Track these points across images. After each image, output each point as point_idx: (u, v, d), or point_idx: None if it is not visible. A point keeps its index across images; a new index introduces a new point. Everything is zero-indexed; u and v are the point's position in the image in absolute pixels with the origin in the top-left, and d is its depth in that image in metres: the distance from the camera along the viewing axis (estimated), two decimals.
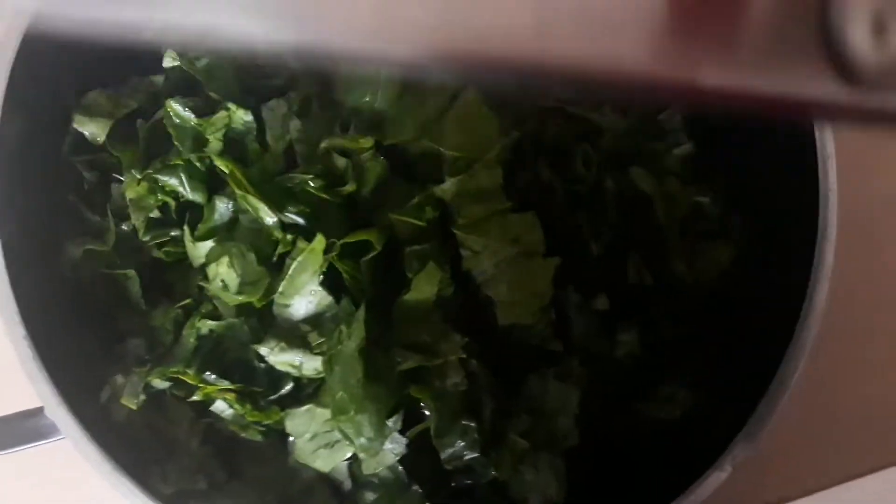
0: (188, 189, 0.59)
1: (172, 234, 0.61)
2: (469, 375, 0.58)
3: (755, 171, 0.63)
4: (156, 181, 0.60)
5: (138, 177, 0.60)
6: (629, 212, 0.63)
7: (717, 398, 0.62)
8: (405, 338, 0.57)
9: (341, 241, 0.54)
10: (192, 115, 0.58)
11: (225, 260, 0.56)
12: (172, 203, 0.61)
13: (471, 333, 0.58)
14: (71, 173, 0.62)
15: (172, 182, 0.60)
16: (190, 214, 0.60)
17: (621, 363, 0.64)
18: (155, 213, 0.61)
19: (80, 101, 0.62)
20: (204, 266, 0.59)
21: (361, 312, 0.53)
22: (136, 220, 0.61)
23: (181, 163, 0.59)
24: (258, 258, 0.55)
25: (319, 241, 0.54)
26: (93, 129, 0.61)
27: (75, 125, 0.61)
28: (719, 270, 0.64)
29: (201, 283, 0.59)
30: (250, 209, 0.55)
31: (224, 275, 0.56)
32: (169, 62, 0.60)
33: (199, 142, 0.59)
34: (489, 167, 0.55)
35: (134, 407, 0.59)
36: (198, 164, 0.59)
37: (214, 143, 0.59)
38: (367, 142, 0.56)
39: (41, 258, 0.58)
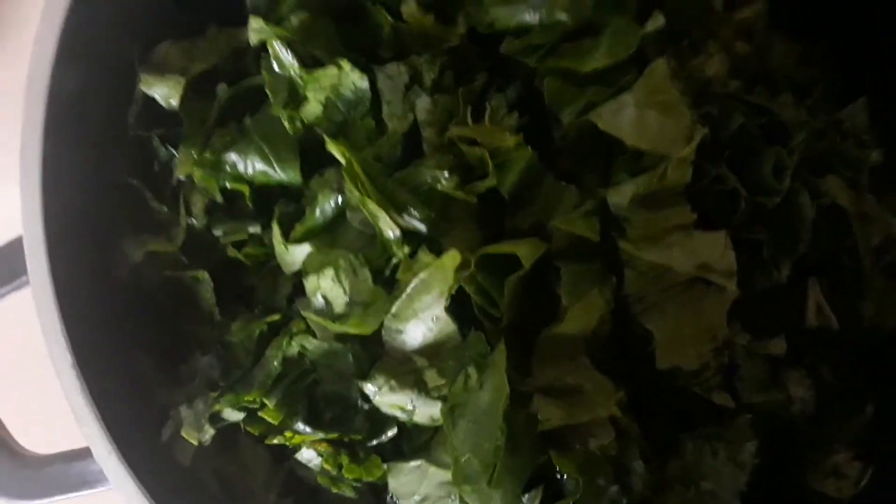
0: (275, 165, 0.47)
1: (251, 230, 0.49)
2: (619, 435, 0.45)
3: None
4: (220, 159, 0.47)
5: (199, 150, 0.47)
6: (821, 233, 0.50)
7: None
8: (546, 380, 0.44)
9: (479, 254, 0.42)
10: (296, 62, 0.45)
11: (329, 273, 0.44)
12: (247, 189, 0.48)
13: (618, 378, 0.46)
14: (135, 150, 0.50)
15: (249, 161, 0.47)
16: (279, 206, 0.48)
17: (794, 424, 0.51)
18: (219, 199, 0.49)
19: (147, 56, 0.49)
20: (298, 274, 0.46)
21: (501, 356, 0.41)
22: (194, 207, 0.49)
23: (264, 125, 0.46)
24: (373, 274, 0.43)
25: (452, 256, 0.41)
26: (163, 91, 0.49)
27: (142, 87, 0.49)
28: None
29: (292, 297, 0.47)
30: (367, 215, 0.43)
31: (328, 291, 0.44)
32: (255, 32, 0.47)
33: (295, 99, 0.48)
34: (680, 168, 0.42)
35: (196, 442, 0.48)
36: (289, 124, 0.47)
37: (313, 104, 0.47)
38: (508, 137, 0.44)
39: (92, 260, 0.48)
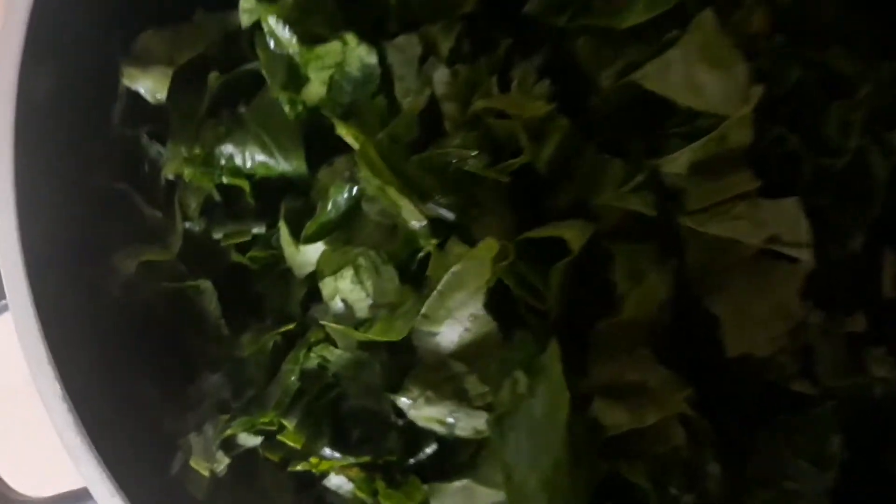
0: (277, 154, 0.42)
1: (255, 230, 0.44)
2: (690, 435, 0.40)
3: None
4: (214, 154, 0.43)
5: (189, 146, 0.42)
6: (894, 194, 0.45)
7: None
8: (605, 379, 0.39)
9: (519, 241, 0.36)
10: (294, 39, 0.41)
11: (348, 273, 0.38)
12: (247, 185, 0.43)
13: (680, 369, 0.40)
14: (120, 152, 0.45)
15: (247, 152, 0.42)
16: (285, 202, 0.43)
17: (878, 407, 0.46)
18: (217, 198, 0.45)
19: (129, 48, 0.44)
20: (312, 277, 0.41)
21: (555, 356, 0.36)
22: (190, 209, 0.44)
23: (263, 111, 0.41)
24: (398, 271, 0.37)
25: (488, 245, 0.36)
26: (148, 84, 0.44)
27: (125, 81, 0.43)
28: None
29: (307, 303, 0.42)
30: (386, 204, 0.37)
31: (347, 293, 0.39)
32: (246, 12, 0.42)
33: (296, 80, 0.43)
34: (741, 128, 0.37)
35: (207, 473, 0.42)
36: (290, 108, 0.42)
37: (316, 85, 0.42)
38: (540, 105, 0.38)
39: (79, 276, 0.43)
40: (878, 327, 0.45)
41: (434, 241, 0.38)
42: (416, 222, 0.37)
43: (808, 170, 0.44)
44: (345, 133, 0.38)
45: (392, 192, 0.37)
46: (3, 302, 0.41)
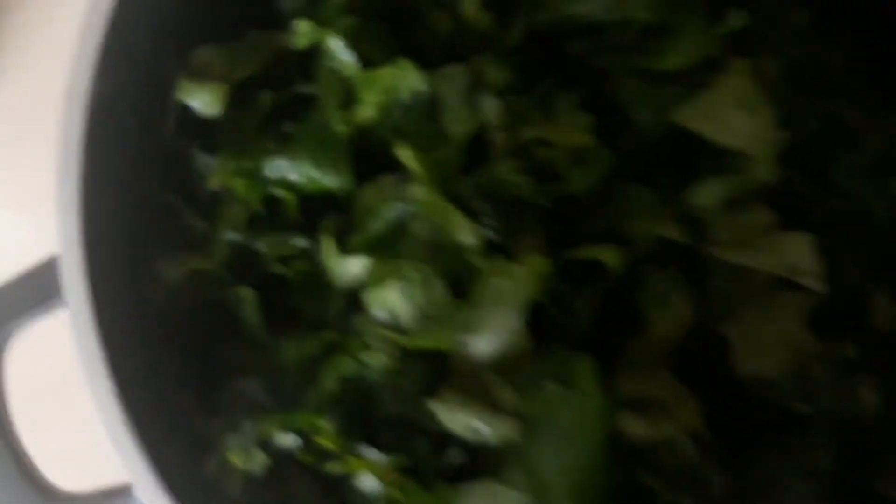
0: (325, 170, 0.44)
1: (298, 244, 0.46)
2: (700, 449, 0.43)
3: None
4: (262, 167, 0.45)
5: (238, 159, 0.45)
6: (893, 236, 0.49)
7: None
8: (627, 393, 0.42)
9: (563, 260, 0.39)
10: (354, 61, 0.43)
11: (396, 284, 0.41)
12: (293, 199, 0.45)
13: (694, 388, 0.44)
14: (170, 163, 0.47)
15: (296, 167, 0.44)
16: (328, 218, 0.45)
17: (865, 427, 0.49)
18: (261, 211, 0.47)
19: (185, 62, 0.46)
20: (351, 290, 0.44)
21: (589, 368, 0.39)
22: (235, 220, 0.46)
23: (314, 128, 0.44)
24: (448, 285, 0.40)
25: (535, 262, 0.39)
26: (204, 99, 0.46)
27: (181, 94, 0.45)
28: None
29: (345, 314, 0.44)
30: (439, 223, 0.40)
31: (395, 304, 0.41)
32: (303, 35, 0.45)
33: (349, 101, 0.45)
34: (766, 166, 0.40)
35: (242, 464, 0.44)
36: (343, 127, 0.44)
37: (368, 107, 0.44)
38: (585, 136, 0.41)
39: (130, 283, 0.44)
40: (871, 358, 0.49)
41: (483, 258, 0.40)
42: (470, 239, 0.40)
43: (816, 210, 0.48)
44: (403, 152, 0.40)
45: (446, 211, 0.40)
46: (57, 301, 0.43)
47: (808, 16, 0.51)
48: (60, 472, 0.44)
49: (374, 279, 0.42)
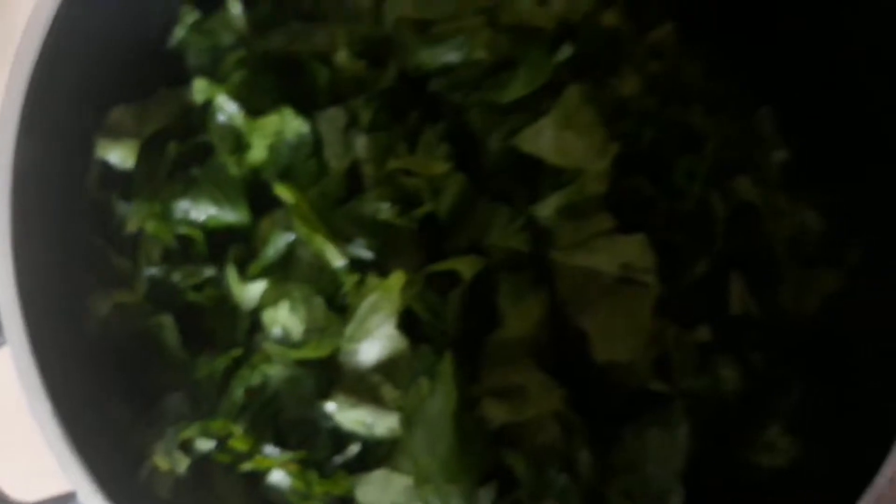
0: (225, 207, 0.51)
1: (207, 273, 0.52)
2: (564, 429, 0.49)
3: (873, 188, 0.55)
4: (171, 209, 0.51)
5: (150, 204, 0.51)
6: (734, 230, 0.55)
7: (829, 449, 0.53)
8: (493, 383, 0.48)
9: (426, 273, 0.46)
10: (240, 112, 0.50)
11: (285, 304, 0.47)
12: (199, 235, 0.52)
13: (559, 375, 0.50)
14: (95, 210, 0.53)
15: (200, 207, 0.51)
16: (231, 247, 0.52)
17: (725, 403, 0.55)
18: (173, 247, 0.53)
19: (103, 122, 0.53)
20: (255, 310, 0.50)
21: (448, 365, 0.45)
22: (152, 257, 0.52)
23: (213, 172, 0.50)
24: (326, 302, 0.47)
25: (398, 277, 0.45)
26: (119, 155, 0.52)
27: (99, 152, 0.52)
28: (822, 301, 0.56)
29: (251, 331, 0.50)
30: (314, 249, 0.46)
31: (285, 321, 0.48)
32: (200, 91, 0.51)
33: (241, 147, 0.51)
34: (597, 180, 0.47)
35: (167, 466, 0.50)
36: (236, 170, 0.50)
37: (258, 150, 0.51)
38: (440, 165, 0.48)
39: (63, 317, 0.49)
40: (728, 338, 0.56)
41: (353, 277, 0.47)
42: (339, 261, 0.47)
43: (661, 211, 0.54)
44: (282, 191, 0.47)
45: (318, 240, 0.46)
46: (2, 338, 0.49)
47: (675, 28, 0.57)
48: (11, 483, 0.50)
49: (268, 300, 0.49)
